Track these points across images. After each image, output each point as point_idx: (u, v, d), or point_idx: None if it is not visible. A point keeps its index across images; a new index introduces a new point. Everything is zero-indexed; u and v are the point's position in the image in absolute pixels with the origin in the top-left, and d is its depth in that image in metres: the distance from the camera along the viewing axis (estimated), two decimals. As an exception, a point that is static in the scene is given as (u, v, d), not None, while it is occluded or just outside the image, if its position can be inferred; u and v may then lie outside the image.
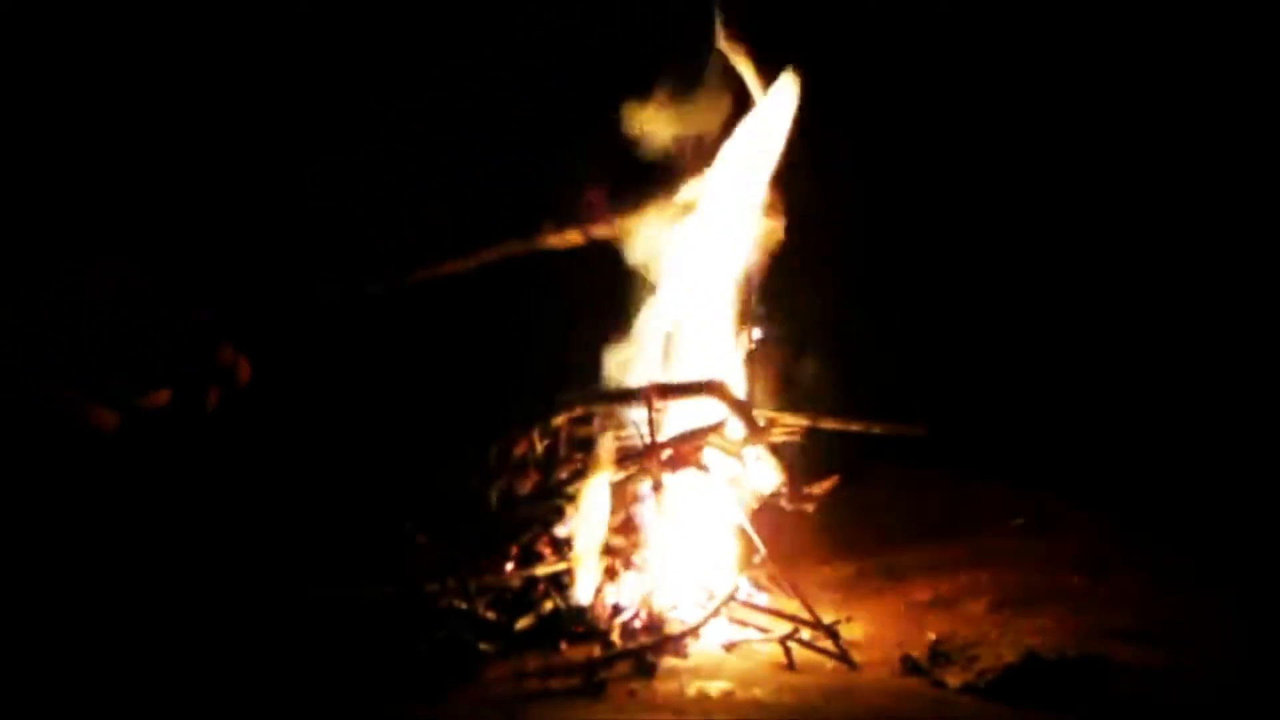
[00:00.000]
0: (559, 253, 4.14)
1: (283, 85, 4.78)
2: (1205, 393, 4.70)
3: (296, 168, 4.81)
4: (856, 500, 3.78)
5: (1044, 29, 4.97)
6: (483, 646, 3.05)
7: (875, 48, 4.77)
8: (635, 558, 3.30)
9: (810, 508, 3.50)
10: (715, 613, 3.14)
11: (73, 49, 4.45)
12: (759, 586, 3.39)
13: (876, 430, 3.64)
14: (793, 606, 3.21)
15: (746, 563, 3.31)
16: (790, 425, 3.60)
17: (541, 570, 3.25)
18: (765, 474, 3.47)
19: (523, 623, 3.16)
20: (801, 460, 3.65)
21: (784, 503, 3.48)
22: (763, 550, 3.29)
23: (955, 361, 4.87)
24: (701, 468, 3.40)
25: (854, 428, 3.61)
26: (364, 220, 4.94)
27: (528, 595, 3.24)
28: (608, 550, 3.29)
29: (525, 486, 3.49)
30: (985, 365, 4.88)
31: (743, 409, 3.46)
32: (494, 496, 3.44)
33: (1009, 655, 2.85)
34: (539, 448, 3.52)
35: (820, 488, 3.54)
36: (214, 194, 4.72)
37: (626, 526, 3.35)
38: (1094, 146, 5.03)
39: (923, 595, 3.50)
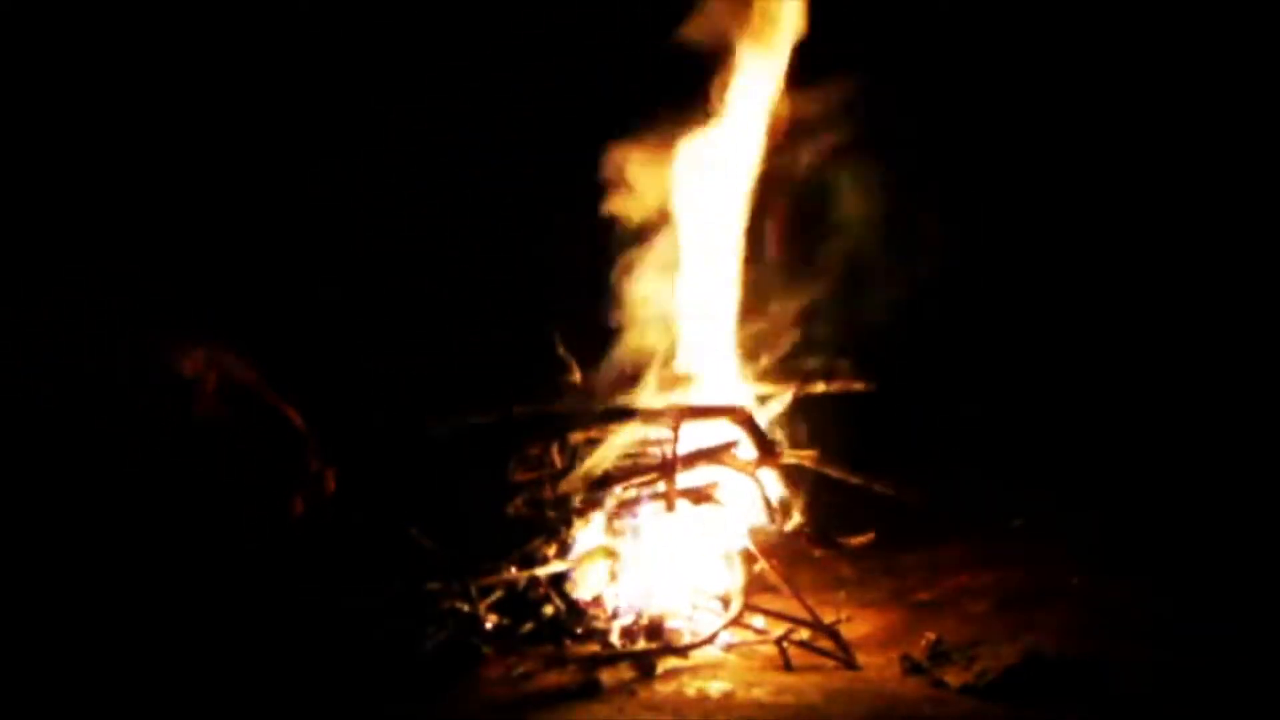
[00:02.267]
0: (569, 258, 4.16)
1: (283, 86, 4.78)
2: (1204, 394, 4.70)
3: (297, 168, 4.81)
4: (857, 501, 3.77)
5: (1045, 32, 4.97)
6: (486, 651, 3.06)
7: (878, 54, 4.77)
8: (637, 562, 3.30)
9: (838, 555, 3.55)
10: (728, 625, 3.13)
11: (73, 50, 4.46)
12: (761, 588, 3.39)
13: (878, 488, 3.64)
14: (794, 607, 3.21)
15: (750, 571, 3.31)
16: (801, 458, 3.61)
17: (542, 571, 3.25)
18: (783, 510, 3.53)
19: (526, 627, 3.16)
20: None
21: (814, 552, 3.54)
22: (763, 563, 3.30)
23: (955, 362, 4.87)
24: (715, 501, 3.41)
25: (854, 480, 3.63)
26: (364, 220, 4.95)
27: (529, 597, 3.25)
28: (610, 554, 3.29)
29: (539, 497, 3.50)
30: (986, 366, 4.88)
31: (760, 434, 3.51)
32: (511, 508, 3.45)
33: (1009, 655, 2.85)
34: (558, 462, 3.54)
35: (855, 541, 3.58)
36: (215, 193, 4.73)
37: (630, 531, 3.36)
38: (1092, 145, 5.03)
39: (923, 595, 3.50)
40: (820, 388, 3.81)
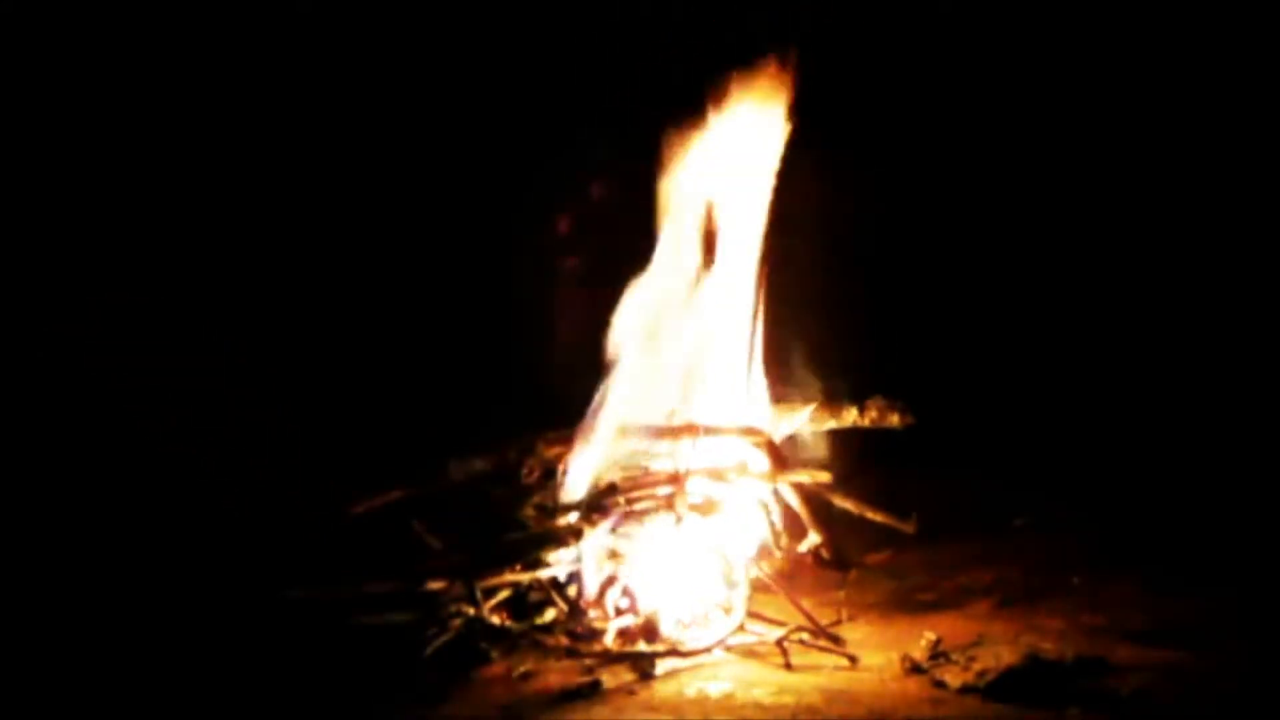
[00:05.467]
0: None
1: (284, 87, 4.79)
2: (1204, 393, 4.70)
3: (298, 168, 4.82)
4: (857, 501, 3.78)
5: (1043, 28, 4.97)
6: (493, 653, 3.06)
7: (877, 45, 4.77)
8: (639, 564, 3.31)
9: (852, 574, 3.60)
10: (731, 633, 3.14)
11: (75, 58, 4.47)
12: (761, 587, 3.39)
13: (871, 516, 3.67)
14: (793, 608, 3.22)
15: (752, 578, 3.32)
16: (815, 478, 3.63)
17: (544, 573, 3.26)
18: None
19: (525, 624, 3.16)
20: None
21: (826, 566, 3.59)
22: (760, 569, 3.31)
23: (955, 362, 4.87)
24: (722, 513, 3.44)
25: (849, 505, 3.67)
26: (363, 219, 4.95)
27: (531, 598, 3.25)
28: (612, 555, 3.30)
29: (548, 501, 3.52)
30: (985, 366, 4.88)
31: (777, 454, 3.56)
32: (528, 511, 3.46)
33: (1009, 655, 2.85)
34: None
35: (873, 558, 3.66)
36: (217, 194, 4.74)
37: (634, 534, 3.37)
38: (1092, 146, 5.03)
39: (923, 595, 3.50)
40: (853, 418, 3.83)
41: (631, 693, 2.85)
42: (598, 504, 3.36)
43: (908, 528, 3.66)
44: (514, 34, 4.84)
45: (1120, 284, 5.00)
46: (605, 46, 4.65)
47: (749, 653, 3.09)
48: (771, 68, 3.68)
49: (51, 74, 4.49)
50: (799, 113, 3.69)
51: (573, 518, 3.36)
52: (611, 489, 3.38)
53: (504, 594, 3.23)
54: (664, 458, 3.55)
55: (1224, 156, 4.90)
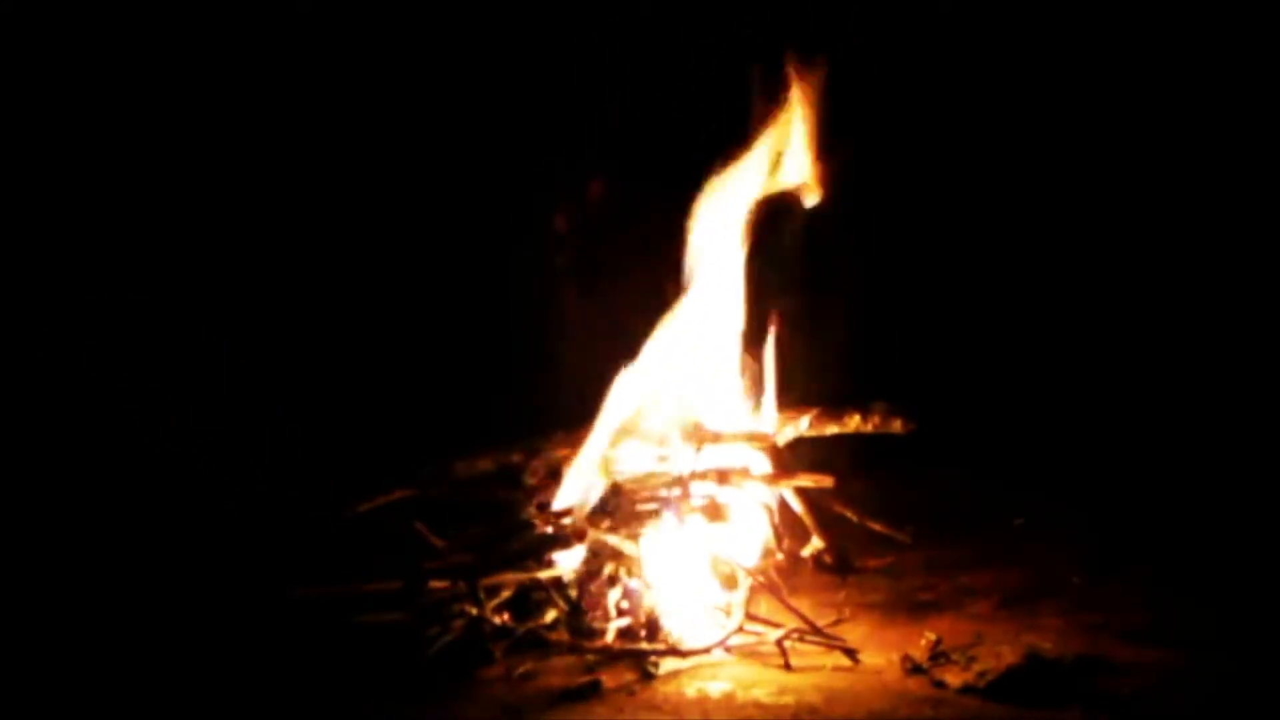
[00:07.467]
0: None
1: (284, 89, 4.79)
2: (1204, 394, 4.70)
3: (298, 169, 4.82)
4: (857, 501, 3.78)
5: (1043, 28, 4.98)
6: (495, 653, 3.06)
7: (875, 44, 4.77)
8: (640, 566, 3.31)
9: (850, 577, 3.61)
10: (731, 635, 3.14)
11: (75, 58, 4.48)
12: (760, 589, 3.39)
13: (871, 525, 3.73)
14: (796, 604, 3.22)
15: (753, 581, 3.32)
16: (816, 483, 3.64)
17: (545, 574, 3.26)
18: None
19: (528, 624, 3.17)
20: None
21: (828, 570, 3.61)
22: (760, 578, 3.31)
23: (955, 362, 4.87)
24: (723, 517, 3.45)
25: (850, 514, 3.72)
26: (364, 218, 4.96)
27: (533, 598, 3.25)
28: (614, 556, 3.30)
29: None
30: (985, 366, 4.88)
31: (781, 459, 3.59)
32: (530, 511, 3.47)
33: (1009, 655, 2.85)
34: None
35: (877, 562, 3.67)
36: (217, 195, 4.74)
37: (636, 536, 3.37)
38: (1091, 146, 5.03)
39: (923, 596, 3.50)
40: (855, 424, 3.84)
41: (631, 693, 2.85)
42: (601, 505, 3.37)
43: (904, 538, 3.69)
44: (515, 36, 4.84)
45: (1119, 285, 5.01)
46: (608, 51, 4.66)
47: (749, 653, 3.09)
48: (776, 72, 3.70)
49: (51, 74, 4.50)
50: (800, 115, 3.69)
51: (575, 519, 3.36)
52: (615, 491, 3.38)
53: (505, 594, 3.23)
54: (668, 460, 3.56)
55: (1221, 157, 4.90)
